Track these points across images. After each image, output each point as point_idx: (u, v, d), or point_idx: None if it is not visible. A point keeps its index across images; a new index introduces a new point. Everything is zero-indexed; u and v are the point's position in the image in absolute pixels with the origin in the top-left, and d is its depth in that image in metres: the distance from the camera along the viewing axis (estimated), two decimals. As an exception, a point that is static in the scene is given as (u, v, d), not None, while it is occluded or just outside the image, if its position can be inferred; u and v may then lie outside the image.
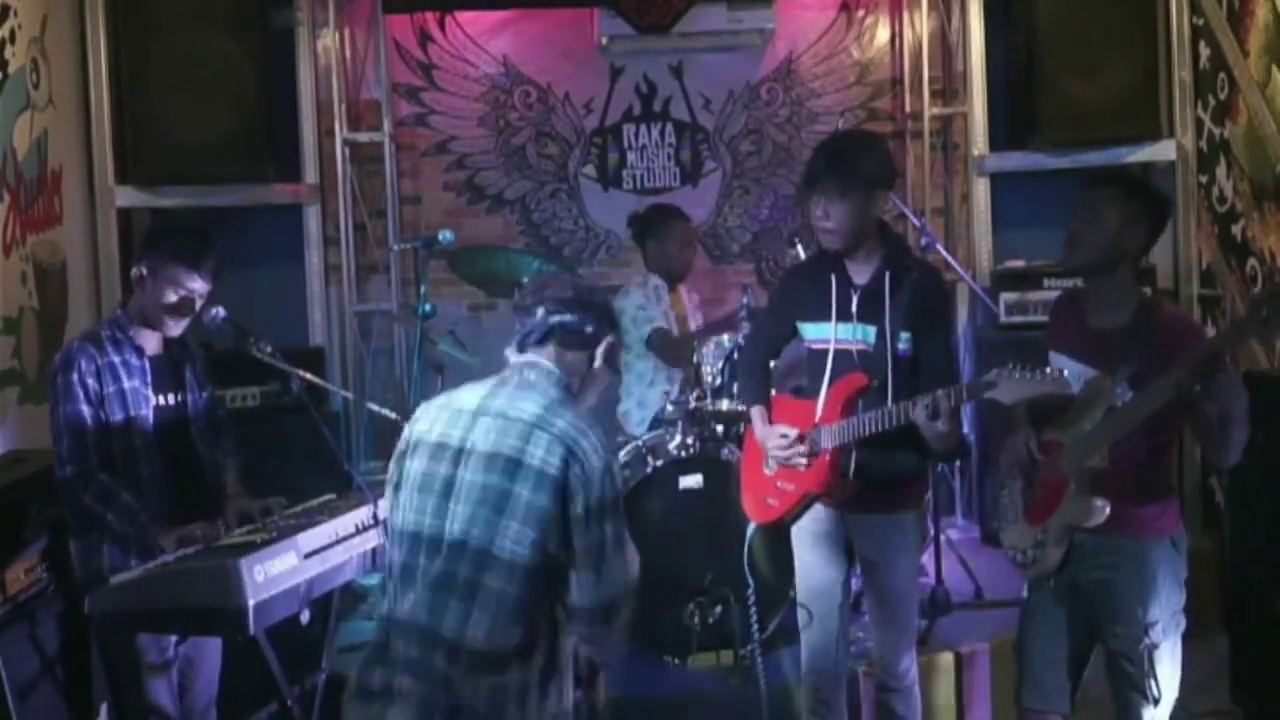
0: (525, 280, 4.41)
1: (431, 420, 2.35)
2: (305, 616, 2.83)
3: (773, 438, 3.14)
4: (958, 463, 5.27)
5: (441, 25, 5.54)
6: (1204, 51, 4.99)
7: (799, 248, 4.46)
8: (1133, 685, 2.71)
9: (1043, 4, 5.08)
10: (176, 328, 3.14)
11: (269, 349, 3.24)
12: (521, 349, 2.40)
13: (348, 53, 5.47)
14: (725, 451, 4.04)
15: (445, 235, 3.97)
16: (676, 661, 3.87)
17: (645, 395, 4.70)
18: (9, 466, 3.58)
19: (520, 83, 5.57)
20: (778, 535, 3.33)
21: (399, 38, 5.52)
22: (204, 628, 2.89)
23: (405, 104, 5.55)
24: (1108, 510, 2.64)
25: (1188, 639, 2.77)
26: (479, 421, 2.29)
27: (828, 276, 3.04)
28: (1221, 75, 4.82)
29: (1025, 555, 2.83)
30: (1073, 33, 5.03)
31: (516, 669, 2.21)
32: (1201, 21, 4.98)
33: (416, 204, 5.60)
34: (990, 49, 5.34)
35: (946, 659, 3.83)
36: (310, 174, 5.28)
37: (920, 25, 5.54)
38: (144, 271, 3.09)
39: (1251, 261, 4.62)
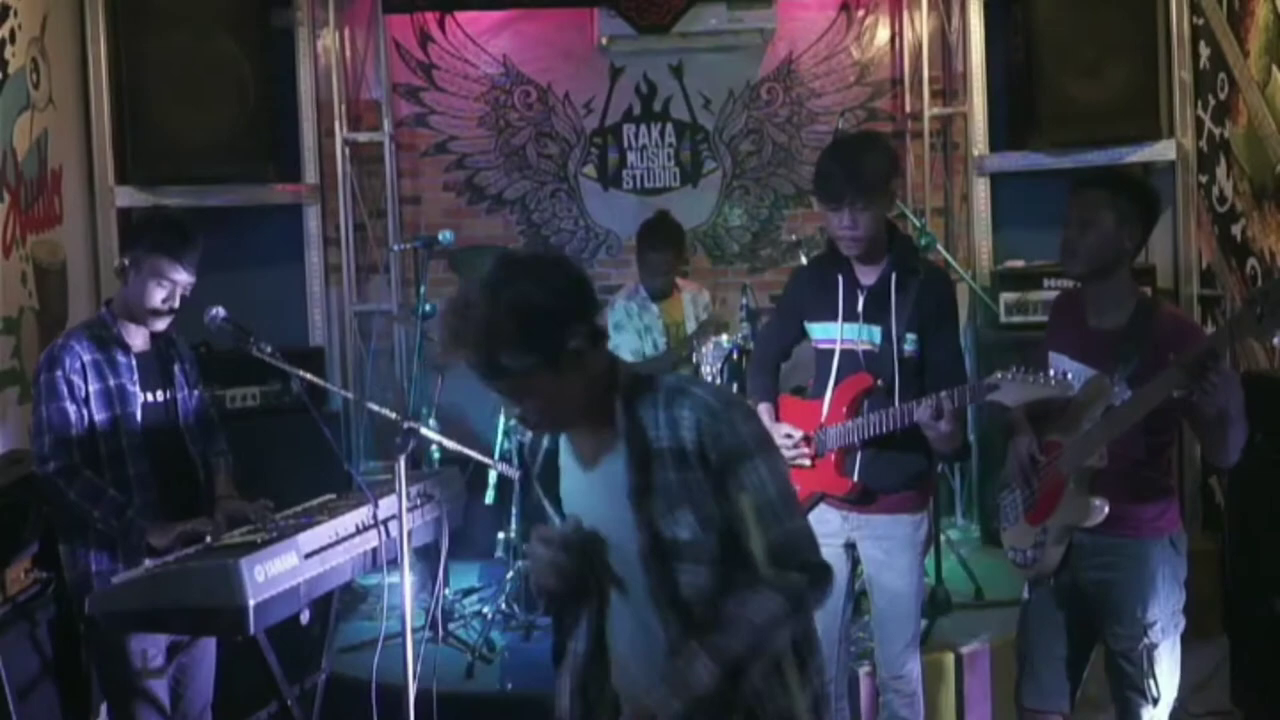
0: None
1: None
2: (305, 616, 2.83)
3: (777, 436, 3.14)
4: (958, 463, 5.27)
5: (441, 25, 5.54)
6: (1204, 51, 4.99)
7: (800, 252, 4.49)
8: (1132, 685, 2.71)
9: (1043, 4, 5.08)
10: (162, 322, 3.10)
11: (269, 349, 3.23)
12: None
13: (348, 53, 5.47)
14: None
15: (445, 235, 3.98)
16: (676, 661, 3.86)
17: None
18: (9, 466, 3.58)
19: (520, 83, 5.57)
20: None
21: (399, 38, 5.53)
22: (204, 628, 2.89)
23: (405, 104, 5.55)
24: (1106, 509, 2.64)
25: (1187, 639, 2.77)
26: None
27: (835, 277, 3.04)
28: (1221, 75, 4.82)
29: (1025, 555, 2.84)
30: (1073, 33, 5.03)
31: None
32: (1201, 21, 4.98)
33: (416, 204, 5.60)
34: (990, 49, 5.35)
35: (946, 659, 3.83)
36: (310, 174, 5.28)
37: (920, 25, 5.54)
38: (126, 264, 3.07)
39: (1251, 261, 4.62)
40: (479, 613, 4.29)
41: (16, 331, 4.13)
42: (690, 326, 4.77)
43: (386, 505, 3.65)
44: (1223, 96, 4.83)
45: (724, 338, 4.23)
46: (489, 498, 4.33)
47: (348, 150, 5.40)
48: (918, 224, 4.66)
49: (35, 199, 4.38)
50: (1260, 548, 3.75)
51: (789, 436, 3.11)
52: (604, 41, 5.35)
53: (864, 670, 3.61)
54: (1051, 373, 2.62)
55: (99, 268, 4.90)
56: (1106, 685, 2.82)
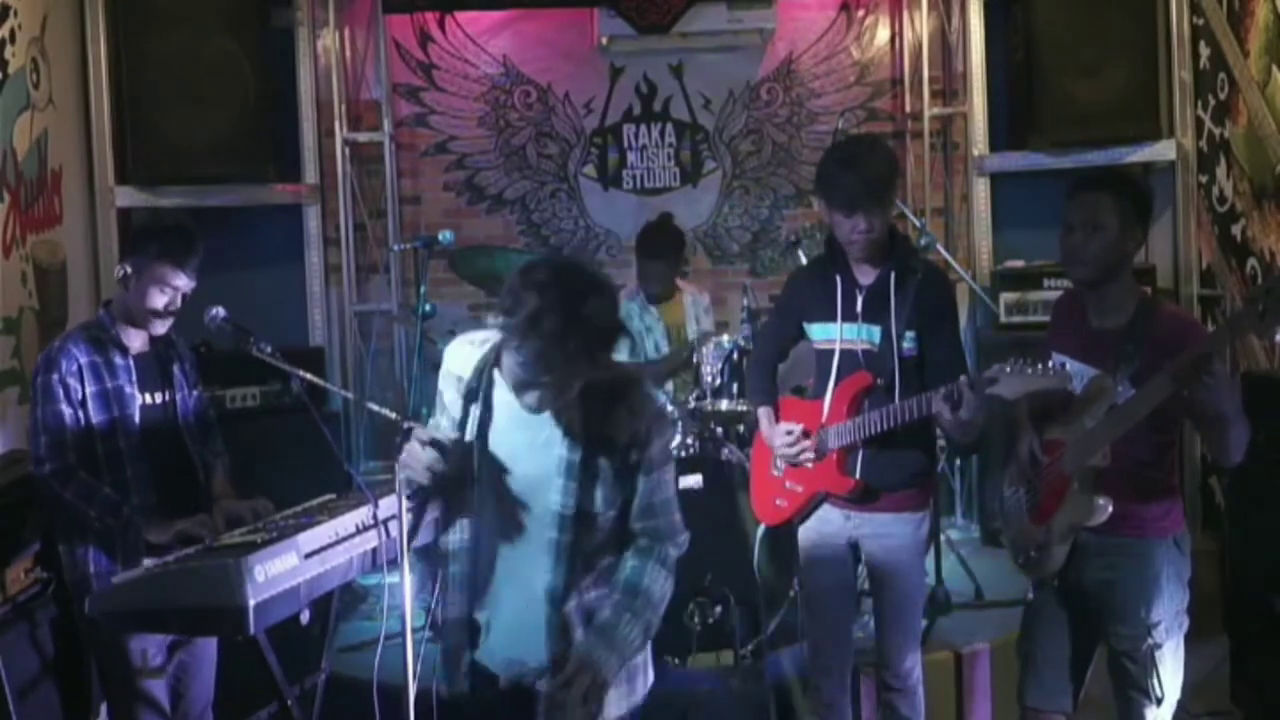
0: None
1: None
2: (305, 616, 2.82)
3: (778, 436, 3.15)
4: (958, 462, 5.27)
5: (441, 25, 5.54)
6: (1204, 51, 4.99)
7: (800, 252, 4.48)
8: (1135, 685, 2.71)
9: (1043, 4, 5.08)
10: (161, 326, 3.10)
11: (269, 349, 3.23)
12: None
13: (348, 53, 5.47)
14: (725, 451, 4.04)
15: (445, 235, 3.96)
16: (676, 661, 3.86)
17: None
18: (9, 466, 3.57)
19: (520, 83, 5.57)
20: (780, 534, 3.33)
21: (399, 38, 5.53)
22: (204, 628, 2.88)
23: (405, 104, 5.55)
24: (1110, 509, 2.64)
25: (1188, 639, 2.77)
26: None
27: (833, 278, 3.05)
28: (1221, 75, 4.82)
29: (1029, 556, 2.83)
30: (1073, 33, 5.03)
31: None
32: (1201, 21, 4.98)
33: (416, 204, 5.60)
34: (990, 49, 5.35)
35: (946, 659, 3.83)
36: (310, 174, 5.29)
37: (920, 25, 5.54)
38: (128, 270, 3.05)
39: (1251, 261, 4.62)
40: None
41: (16, 331, 4.13)
42: (691, 328, 4.76)
43: (386, 505, 3.65)
44: (1223, 96, 4.83)
45: (724, 337, 4.23)
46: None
47: (348, 150, 5.40)
48: (918, 224, 4.67)
49: (35, 199, 4.38)
50: (1260, 548, 3.75)
51: (789, 433, 3.11)
52: (604, 41, 5.35)
53: (864, 669, 3.60)
54: (1050, 364, 2.62)
55: (99, 268, 4.90)
56: (1109, 685, 2.82)
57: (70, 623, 3.27)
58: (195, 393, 3.28)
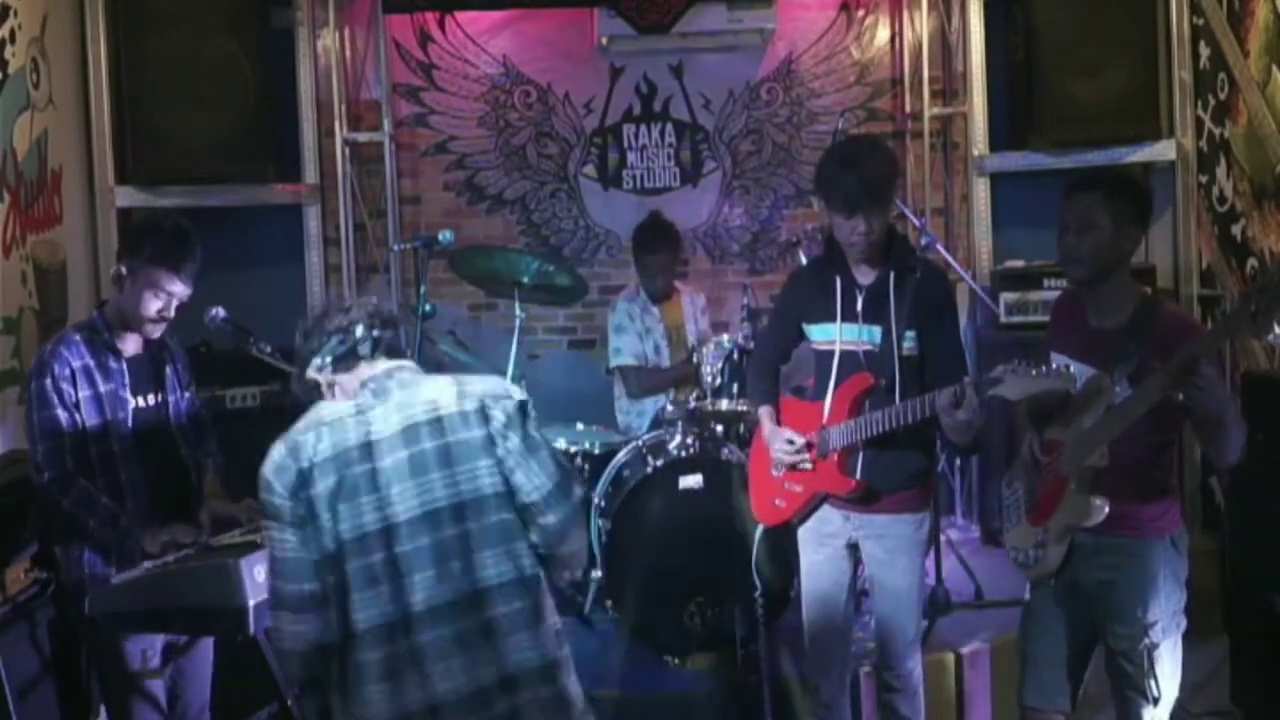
0: (525, 280, 4.43)
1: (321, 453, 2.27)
2: (305, 617, 2.82)
3: (778, 441, 3.15)
4: (958, 462, 5.27)
5: (441, 25, 5.54)
6: (1204, 51, 4.99)
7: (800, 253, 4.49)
8: (1133, 685, 2.71)
9: (1043, 4, 5.08)
10: (155, 330, 3.07)
11: (269, 349, 3.23)
12: (371, 359, 2.39)
13: (348, 53, 5.47)
14: (725, 451, 4.04)
15: (445, 235, 3.97)
16: (676, 661, 3.87)
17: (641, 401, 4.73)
18: (8, 466, 3.57)
19: (520, 83, 5.57)
20: (780, 535, 3.33)
21: (399, 38, 5.52)
22: (204, 628, 2.89)
23: (405, 104, 5.55)
24: (1107, 509, 2.64)
25: (1188, 639, 2.77)
26: (397, 435, 2.28)
27: (832, 278, 3.05)
28: (1221, 75, 4.82)
29: (1027, 556, 2.84)
30: (1073, 33, 5.02)
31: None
32: (1201, 21, 4.98)
33: (416, 204, 5.60)
34: (990, 49, 5.34)
35: (946, 659, 3.83)
36: (310, 174, 5.28)
37: (920, 25, 5.54)
38: (123, 272, 3.02)
39: (1251, 261, 4.62)
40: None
41: (16, 331, 4.13)
42: (690, 328, 4.77)
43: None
44: (1223, 96, 4.83)
45: (724, 337, 4.23)
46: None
47: (348, 150, 5.40)
48: (918, 224, 4.67)
49: (35, 199, 4.38)
50: (1260, 548, 3.74)
51: (790, 443, 3.11)
52: (604, 41, 5.35)
53: (864, 670, 3.60)
54: (1053, 365, 2.62)
55: (99, 268, 4.90)
56: (1108, 685, 2.82)
57: (68, 624, 3.26)
58: (188, 394, 3.25)
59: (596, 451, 4.28)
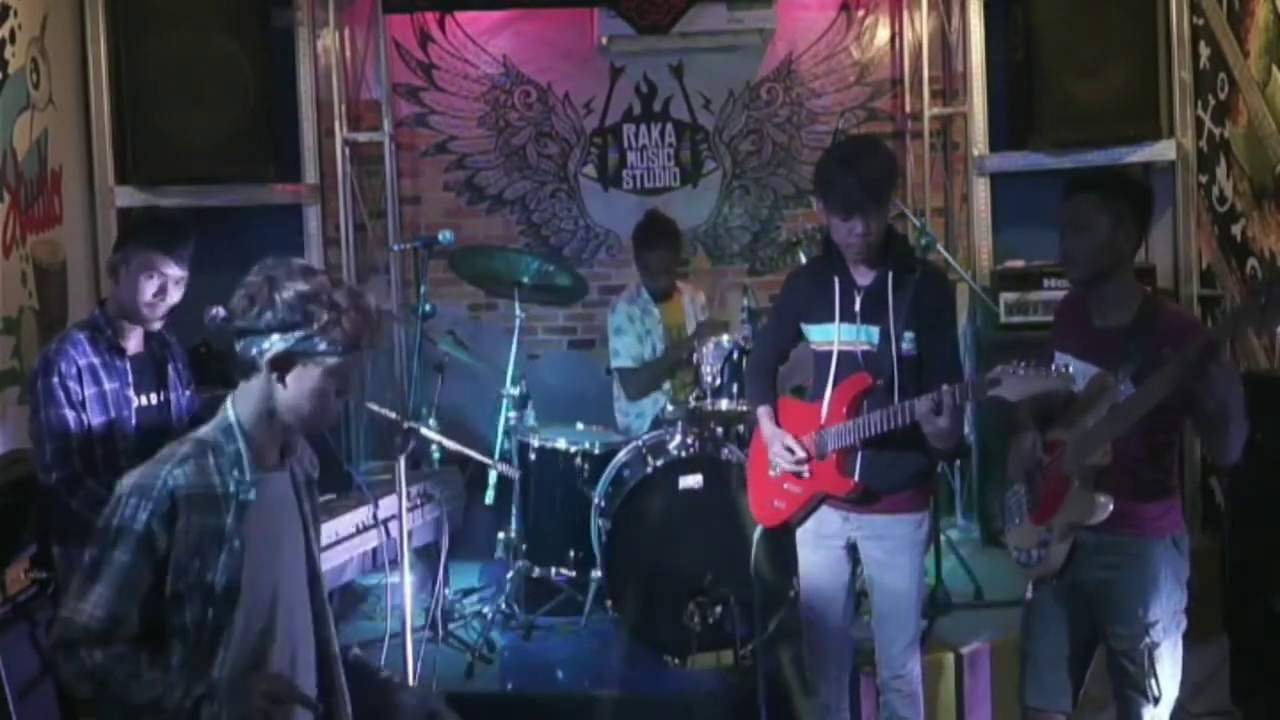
0: (525, 280, 4.43)
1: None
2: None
3: (776, 445, 3.14)
4: (958, 462, 5.27)
5: (441, 25, 5.54)
6: (1204, 51, 4.99)
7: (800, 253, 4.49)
8: (1133, 684, 2.71)
9: (1043, 4, 5.08)
10: (155, 318, 3.09)
11: (269, 349, 3.22)
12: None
13: (348, 53, 5.47)
14: (725, 451, 4.04)
15: (445, 235, 3.98)
16: (676, 661, 3.87)
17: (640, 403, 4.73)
18: (8, 466, 3.58)
19: (520, 83, 5.57)
20: (779, 535, 3.33)
21: (399, 38, 5.52)
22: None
23: (405, 104, 5.55)
24: (1110, 507, 2.64)
25: (1187, 639, 2.77)
26: None
27: (831, 279, 3.05)
28: (1221, 75, 4.82)
29: (1029, 554, 2.84)
30: (1073, 33, 5.02)
31: None
32: (1201, 21, 4.98)
33: (416, 204, 5.60)
34: (990, 49, 5.34)
35: (946, 659, 3.83)
36: (310, 174, 5.28)
37: (920, 25, 5.54)
38: (119, 261, 3.05)
39: (1251, 261, 4.62)
40: (479, 613, 4.29)
41: (16, 331, 4.14)
42: (691, 328, 4.76)
43: (386, 505, 3.65)
44: (1223, 96, 4.83)
45: (724, 337, 4.23)
46: (489, 498, 4.33)
47: (348, 150, 5.40)
48: (918, 224, 4.67)
49: (35, 199, 4.38)
50: (1260, 548, 3.74)
51: (790, 450, 3.11)
52: (604, 41, 5.35)
53: (864, 670, 3.60)
54: (1052, 366, 2.62)
55: (99, 268, 4.90)
56: (1109, 684, 2.82)
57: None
58: (189, 392, 3.28)
59: (596, 451, 4.28)
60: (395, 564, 3.12)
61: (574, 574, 4.26)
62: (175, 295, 3.09)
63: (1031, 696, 2.89)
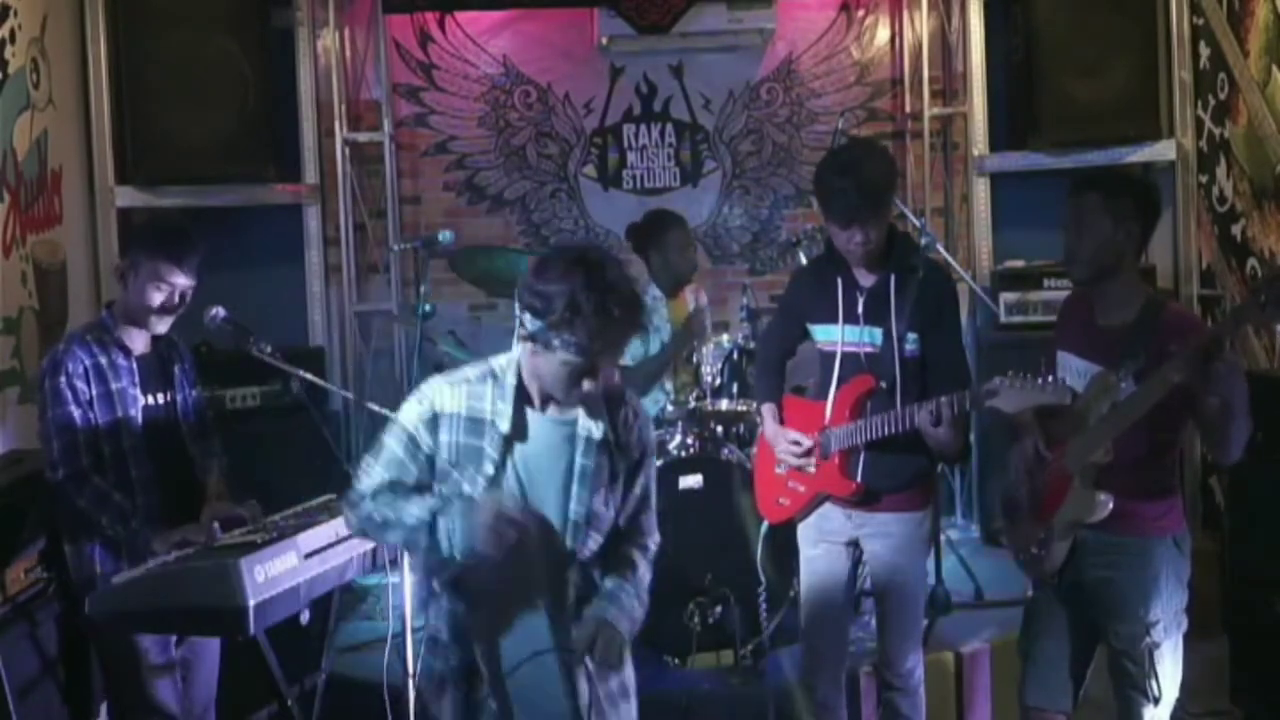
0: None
1: None
2: (305, 616, 2.83)
3: (782, 441, 3.15)
4: (958, 465, 5.27)
5: (441, 25, 5.54)
6: (1204, 51, 4.99)
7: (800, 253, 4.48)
8: (1134, 684, 2.71)
9: (1043, 4, 5.08)
10: (162, 324, 3.11)
11: (269, 349, 3.23)
12: None
13: (348, 53, 5.47)
14: (725, 451, 4.04)
15: (445, 235, 3.97)
16: (676, 661, 3.87)
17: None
18: (9, 466, 3.58)
19: (520, 83, 5.57)
20: (783, 534, 3.33)
21: (399, 38, 5.52)
22: (204, 628, 2.89)
23: (405, 104, 5.55)
24: (1111, 505, 2.64)
25: (1187, 639, 2.77)
26: None
27: (834, 279, 3.04)
28: (1221, 75, 4.82)
29: (1030, 553, 2.84)
30: (1073, 33, 5.03)
31: None
32: (1201, 21, 4.98)
33: (416, 204, 5.60)
34: (990, 49, 5.35)
35: (947, 659, 3.83)
36: (310, 174, 5.28)
37: (920, 25, 5.54)
38: (127, 267, 3.07)
39: (1251, 261, 4.63)
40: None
41: (16, 331, 4.13)
42: (694, 329, 4.74)
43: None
44: (1223, 96, 4.84)
45: (724, 337, 4.22)
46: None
47: (348, 150, 5.40)
48: (918, 224, 4.67)
49: (35, 199, 4.38)
50: (1260, 548, 3.75)
51: (797, 444, 3.11)
52: (604, 41, 5.35)
53: (865, 669, 3.60)
54: (1050, 378, 2.62)
55: (99, 268, 4.90)
56: (1109, 684, 2.82)
57: (75, 620, 3.27)
58: (194, 392, 3.29)
59: (597, 451, 4.27)
60: (395, 564, 3.11)
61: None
62: (183, 303, 3.11)
63: (1032, 696, 2.90)
